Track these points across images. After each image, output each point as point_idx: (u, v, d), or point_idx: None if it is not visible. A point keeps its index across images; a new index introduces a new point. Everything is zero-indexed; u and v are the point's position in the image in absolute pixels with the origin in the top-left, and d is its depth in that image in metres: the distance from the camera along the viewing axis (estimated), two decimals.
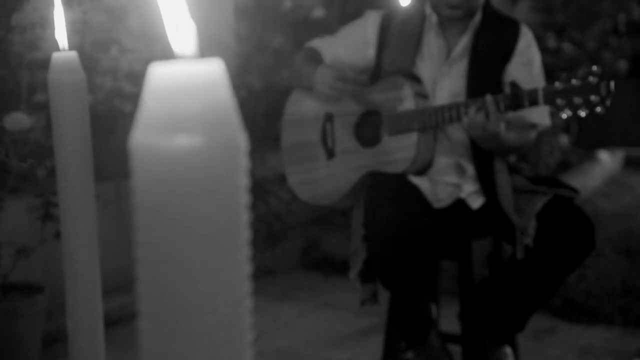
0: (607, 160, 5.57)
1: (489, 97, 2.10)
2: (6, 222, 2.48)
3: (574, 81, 1.99)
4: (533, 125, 2.30)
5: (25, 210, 2.65)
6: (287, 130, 2.55)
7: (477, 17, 2.32)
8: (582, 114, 1.98)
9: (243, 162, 0.61)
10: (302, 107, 2.49)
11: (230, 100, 0.60)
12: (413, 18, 2.39)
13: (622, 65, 5.44)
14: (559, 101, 2.00)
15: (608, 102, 1.96)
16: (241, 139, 0.60)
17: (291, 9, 4.64)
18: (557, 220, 2.13)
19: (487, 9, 2.35)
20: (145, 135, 0.57)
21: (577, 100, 1.98)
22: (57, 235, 2.26)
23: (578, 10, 5.15)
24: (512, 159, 2.33)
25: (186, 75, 0.58)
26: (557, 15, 5.17)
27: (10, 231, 2.52)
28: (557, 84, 2.01)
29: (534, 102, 2.06)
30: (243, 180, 0.61)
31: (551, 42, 4.86)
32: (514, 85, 2.07)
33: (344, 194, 2.41)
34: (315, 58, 2.45)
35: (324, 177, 2.45)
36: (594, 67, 1.98)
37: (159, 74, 0.58)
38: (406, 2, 2.52)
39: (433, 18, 2.34)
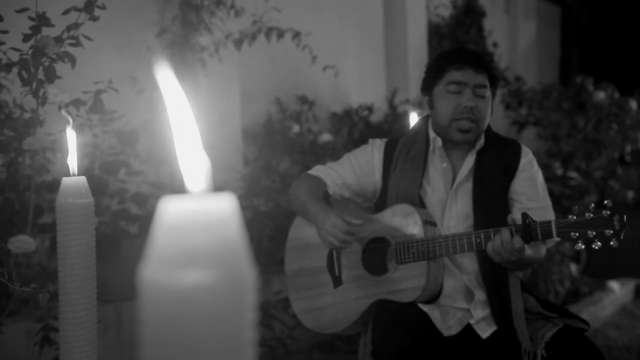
0: (618, 290, 5.49)
1: (504, 231, 2.08)
2: (2, 347, 2.42)
3: (587, 215, 1.99)
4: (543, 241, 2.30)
5: (23, 334, 2.59)
6: (292, 256, 2.53)
7: (482, 140, 2.37)
8: (596, 247, 1.97)
9: (251, 298, 0.60)
10: (306, 233, 2.48)
11: (241, 235, 0.59)
12: (417, 142, 2.42)
13: (630, 195, 5.47)
14: (573, 234, 2.00)
15: (622, 236, 1.95)
16: (250, 275, 0.60)
17: (299, 133, 4.72)
18: (567, 351, 2.08)
19: (489, 132, 2.42)
20: (156, 270, 0.57)
21: (591, 233, 1.98)
22: None
23: (583, 140, 5.22)
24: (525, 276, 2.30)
25: (197, 211, 0.58)
26: (562, 144, 5.24)
27: (6, 357, 2.45)
28: (570, 217, 2.02)
29: (547, 235, 2.05)
30: (250, 316, 0.60)
31: (558, 170, 4.90)
32: (526, 216, 2.07)
33: (351, 323, 2.36)
34: (319, 187, 2.46)
35: (330, 305, 2.40)
36: (607, 201, 1.99)
37: (170, 209, 0.58)
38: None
39: (438, 142, 2.38)
